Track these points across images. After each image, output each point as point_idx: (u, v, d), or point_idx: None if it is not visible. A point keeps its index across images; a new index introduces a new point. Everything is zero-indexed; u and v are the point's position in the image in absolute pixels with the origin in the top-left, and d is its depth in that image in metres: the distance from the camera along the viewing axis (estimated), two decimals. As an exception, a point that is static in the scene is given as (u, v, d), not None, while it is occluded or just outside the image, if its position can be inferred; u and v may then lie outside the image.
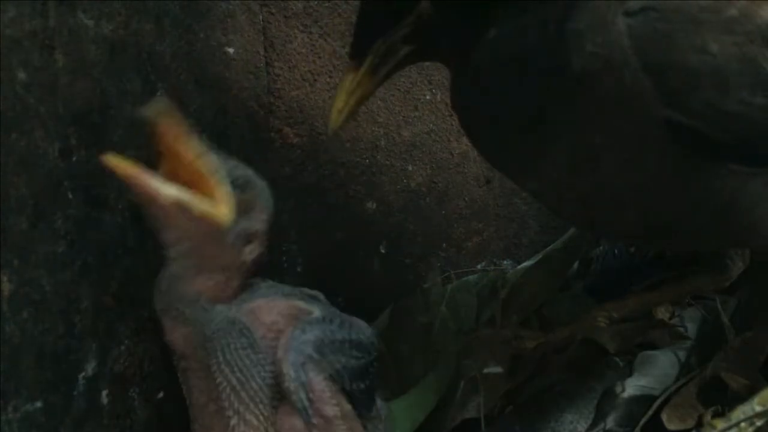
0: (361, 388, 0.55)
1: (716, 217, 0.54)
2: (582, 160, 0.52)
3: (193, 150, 0.50)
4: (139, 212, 0.55)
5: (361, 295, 0.77)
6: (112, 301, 0.57)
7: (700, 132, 0.49)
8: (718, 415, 0.60)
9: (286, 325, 0.53)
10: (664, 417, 0.61)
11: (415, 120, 0.81)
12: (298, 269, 0.75)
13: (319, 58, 0.74)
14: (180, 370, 0.54)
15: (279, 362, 0.51)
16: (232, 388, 0.51)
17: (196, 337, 0.50)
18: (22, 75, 0.51)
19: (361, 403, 0.55)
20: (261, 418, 0.51)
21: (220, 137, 0.66)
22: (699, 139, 0.49)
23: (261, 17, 0.70)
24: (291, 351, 0.51)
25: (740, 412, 0.59)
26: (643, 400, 0.63)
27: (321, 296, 0.60)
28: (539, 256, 0.83)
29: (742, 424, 0.59)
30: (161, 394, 0.61)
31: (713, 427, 0.59)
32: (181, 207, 0.49)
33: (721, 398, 0.62)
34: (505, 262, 0.88)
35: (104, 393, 0.57)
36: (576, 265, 0.80)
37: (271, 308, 0.54)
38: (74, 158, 0.54)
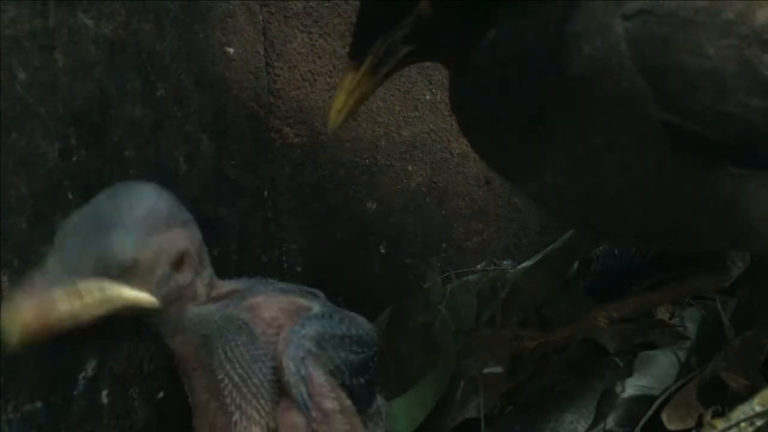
0: (361, 383, 0.55)
1: (715, 218, 0.54)
2: (581, 160, 0.52)
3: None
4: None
5: (361, 295, 0.77)
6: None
7: (698, 134, 0.49)
8: (718, 415, 0.60)
9: (286, 321, 0.53)
10: (664, 417, 0.61)
11: (415, 120, 0.81)
12: (298, 269, 0.75)
13: (319, 58, 0.74)
14: (181, 369, 0.54)
15: (279, 356, 0.51)
16: (234, 384, 0.51)
17: (194, 339, 0.50)
18: (22, 75, 0.51)
19: (361, 399, 0.55)
20: (262, 412, 0.51)
21: (220, 137, 0.67)
22: (697, 141, 0.49)
23: (261, 17, 0.70)
24: (291, 345, 0.51)
25: (740, 412, 0.59)
26: (643, 400, 0.63)
27: (320, 294, 0.60)
28: (539, 256, 0.83)
29: (742, 424, 0.59)
30: (161, 394, 0.61)
31: (713, 427, 0.59)
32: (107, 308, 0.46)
33: (721, 398, 0.62)
34: (505, 262, 0.88)
35: (104, 393, 0.57)
36: (576, 265, 0.80)
37: (271, 304, 0.54)
38: (74, 158, 0.54)
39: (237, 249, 0.69)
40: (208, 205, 0.66)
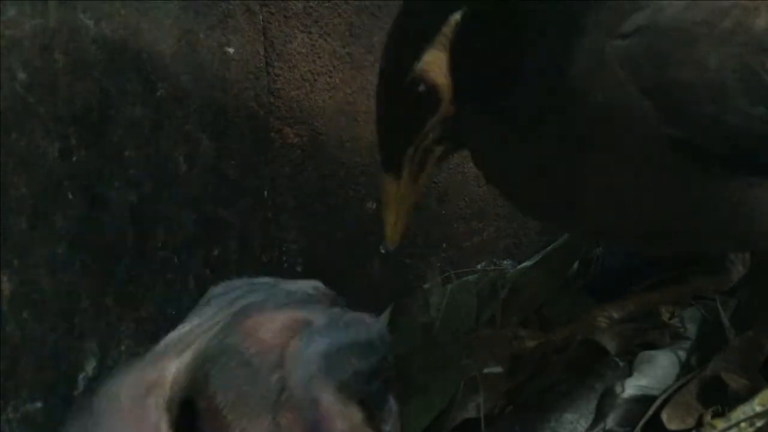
0: (373, 389, 0.55)
1: (719, 225, 0.54)
2: (588, 173, 0.52)
3: None
4: (139, 212, 0.55)
5: (361, 295, 0.77)
6: (112, 301, 0.57)
7: (701, 146, 0.49)
8: (718, 415, 0.60)
9: (283, 338, 0.53)
10: (664, 417, 0.61)
11: (415, 120, 0.81)
12: (298, 269, 0.75)
13: (319, 58, 0.74)
14: None
15: (284, 378, 0.50)
16: (231, 406, 0.51)
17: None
18: (22, 75, 0.51)
19: (373, 404, 0.55)
20: (264, 423, 0.51)
21: (220, 137, 0.67)
22: (701, 151, 0.49)
23: (261, 17, 0.70)
24: (297, 367, 0.51)
25: (740, 412, 0.59)
26: (643, 400, 0.63)
27: (320, 286, 0.59)
28: (539, 256, 0.83)
29: (742, 424, 0.59)
30: (161, 394, 0.61)
31: (713, 427, 0.59)
32: None
33: (721, 398, 0.61)
34: (505, 262, 0.88)
35: (104, 393, 0.57)
36: (576, 265, 0.80)
37: (265, 323, 0.54)
38: (74, 158, 0.54)
39: (237, 249, 0.69)
40: (208, 205, 0.66)
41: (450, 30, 0.51)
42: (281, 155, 0.73)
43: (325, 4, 0.73)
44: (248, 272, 0.59)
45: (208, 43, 0.65)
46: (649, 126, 0.49)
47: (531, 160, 0.53)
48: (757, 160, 0.51)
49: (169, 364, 0.48)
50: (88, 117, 0.55)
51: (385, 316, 0.77)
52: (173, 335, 0.50)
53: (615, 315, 0.69)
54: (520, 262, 0.86)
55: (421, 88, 0.52)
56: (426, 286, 0.80)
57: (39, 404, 0.52)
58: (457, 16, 0.51)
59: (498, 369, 0.69)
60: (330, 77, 0.74)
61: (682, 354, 0.68)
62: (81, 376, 0.55)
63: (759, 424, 0.59)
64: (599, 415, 0.64)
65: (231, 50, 0.67)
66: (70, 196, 0.54)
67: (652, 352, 0.68)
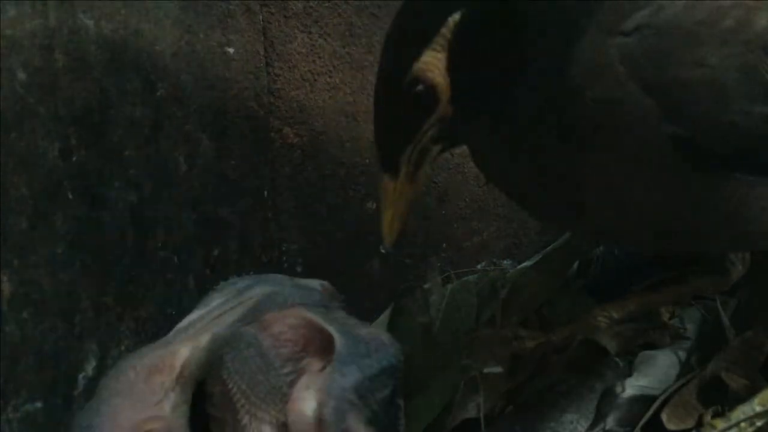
0: (392, 412, 0.55)
1: (719, 225, 0.54)
2: (590, 173, 0.52)
3: None
4: (139, 212, 0.55)
5: (361, 295, 0.77)
6: (112, 301, 0.57)
7: (702, 145, 0.49)
8: (718, 415, 0.60)
9: (294, 337, 0.53)
10: (664, 417, 0.61)
11: (415, 120, 0.81)
12: (298, 269, 0.75)
13: (319, 58, 0.74)
14: None
15: (320, 407, 0.50)
16: (242, 392, 0.51)
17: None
18: (22, 75, 0.51)
19: (390, 424, 0.55)
20: (273, 412, 0.51)
21: (220, 137, 0.67)
22: (701, 151, 0.49)
23: (261, 17, 0.70)
24: (332, 398, 0.51)
25: (740, 412, 0.59)
26: (643, 400, 0.63)
27: (323, 284, 0.59)
28: (539, 256, 0.83)
29: (742, 424, 0.59)
30: (161, 394, 0.61)
31: (713, 427, 0.59)
32: None
33: (721, 398, 0.61)
34: (505, 262, 0.88)
35: (104, 393, 0.57)
36: (576, 265, 0.80)
37: (280, 318, 0.54)
38: (74, 158, 0.54)
39: (237, 249, 0.69)
40: (208, 205, 0.66)
41: (449, 30, 0.51)
42: (281, 155, 0.73)
43: (325, 4, 0.73)
44: (248, 272, 0.59)
45: (208, 43, 0.65)
46: (650, 125, 0.49)
47: (531, 160, 0.53)
48: (757, 160, 0.51)
49: (180, 347, 0.49)
50: (88, 117, 0.55)
51: (385, 316, 0.77)
52: (183, 322, 0.51)
53: (615, 315, 0.69)
54: (520, 262, 0.86)
55: (420, 88, 0.52)
56: (426, 286, 0.80)
57: (39, 404, 0.52)
58: (456, 17, 0.51)
59: (498, 369, 0.69)
60: (330, 77, 0.74)
61: (682, 354, 0.68)
62: (81, 376, 0.55)
63: (759, 423, 0.59)
64: (599, 415, 0.64)
65: (231, 50, 0.67)
66: (70, 196, 0.54)
67: (652, 352, 0.68)
